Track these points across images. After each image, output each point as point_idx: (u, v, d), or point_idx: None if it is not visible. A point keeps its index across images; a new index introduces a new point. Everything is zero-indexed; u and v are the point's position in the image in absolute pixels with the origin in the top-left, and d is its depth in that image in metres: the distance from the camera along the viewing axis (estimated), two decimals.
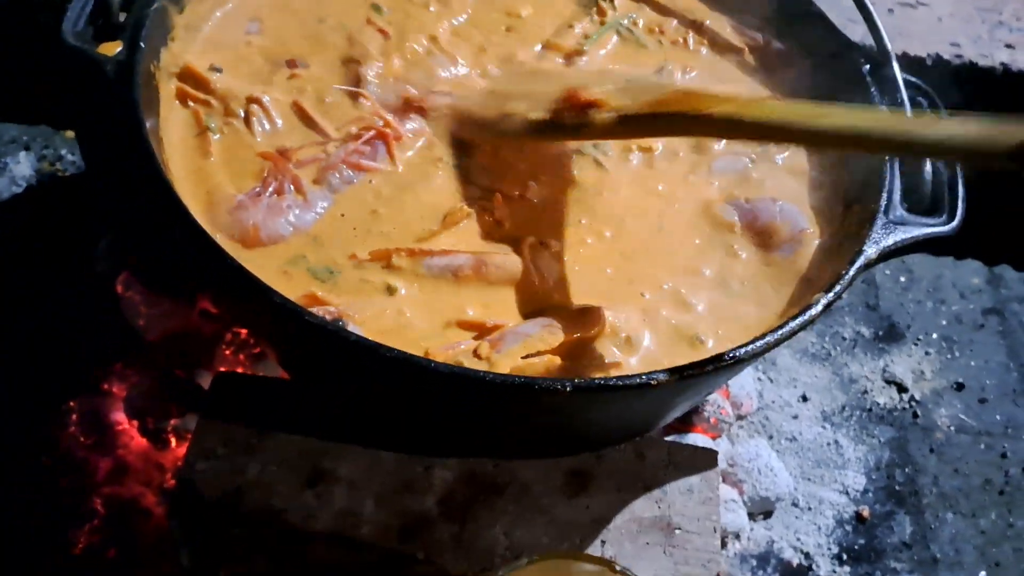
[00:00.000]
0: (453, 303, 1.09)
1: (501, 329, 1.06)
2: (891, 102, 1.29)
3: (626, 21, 1.45)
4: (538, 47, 1.39)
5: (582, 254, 1.17)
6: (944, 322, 1.80)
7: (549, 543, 1.15)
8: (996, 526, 1.54)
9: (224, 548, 1.21)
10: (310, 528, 1.14)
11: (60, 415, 1.42)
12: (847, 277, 1.09)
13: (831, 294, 1.07)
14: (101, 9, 1.16)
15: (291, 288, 1.04)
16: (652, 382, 0.97)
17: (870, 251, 1.12)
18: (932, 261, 1.89)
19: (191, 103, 1.20)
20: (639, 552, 1.16)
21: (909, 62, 1.78)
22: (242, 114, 1.20)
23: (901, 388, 1.69)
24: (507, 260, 1.13)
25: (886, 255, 1.13)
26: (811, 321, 1.06)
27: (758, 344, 1.02)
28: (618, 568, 0.93)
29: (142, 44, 1.13)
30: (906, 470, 1.59)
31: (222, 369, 1.41)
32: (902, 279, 1.86)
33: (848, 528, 1.51)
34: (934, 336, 1.78)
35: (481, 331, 1.07)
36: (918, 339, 1.77)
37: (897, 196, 1.18)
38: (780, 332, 1.03)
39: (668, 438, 1.42)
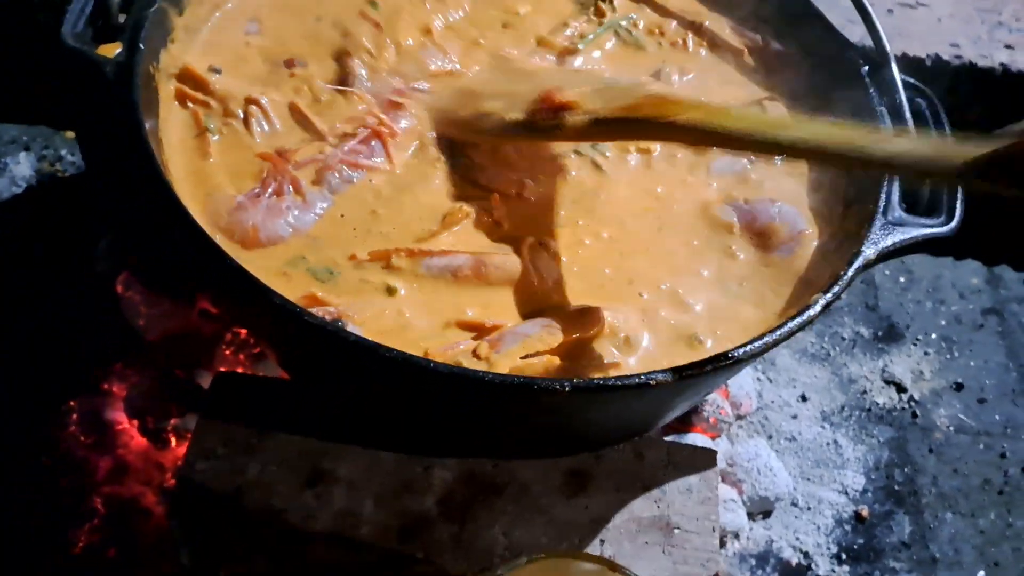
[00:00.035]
0: (452, 303, 1.09)
1: (500, 329, 1.06)
2: (890, 103, 1.30)
3: (625, 22, 1.45)
4: (532, 44, 1.39)
5: (581, 254, 1.17)
6: (943, 322, 1.80)
7: (548, 543, 1.15)
8: (995, 526, 1.54)
9: (224, 548, 1.21)
10: (310, 528, 1.14)
11: (60, 415, 1.42)
12: (846, 278, 1.09)
13: (830, 294, 1.07)
14: (101, 10, 1.16)
15: (291, 289, 1.04)
16: (651, 382, 0.97)
17: (869, 252, 1.12)
18: (931, 261, 1.89)
19: (190, 104, 1.20)
20: (638, 552, 1.16)
21: (909, 63, 1.78)
22: (241, 115, 1.20)
23: (900, 388, 1.69)
24: (506, 260, 1.13)
25: (885, 256, 1.13)
26: (810, 321, 1.06)
27: (757, 344, 1.02)
28: (617, 568, 0.93)
29: (141, 45, 1.13)
30: (905, 470, 1.59)
31: (222, 369, 1.41)
32: (901, 279, 1.86)
33: (847, 528, 1.51)
34: (933, 336, 1.78)
35: (480, 331, 1.07)
36: (917, 339, 1.77)
37: (896, 197, 1.18)
38: (779, 332, 1.03)
39: (667, 438, 1.42)
